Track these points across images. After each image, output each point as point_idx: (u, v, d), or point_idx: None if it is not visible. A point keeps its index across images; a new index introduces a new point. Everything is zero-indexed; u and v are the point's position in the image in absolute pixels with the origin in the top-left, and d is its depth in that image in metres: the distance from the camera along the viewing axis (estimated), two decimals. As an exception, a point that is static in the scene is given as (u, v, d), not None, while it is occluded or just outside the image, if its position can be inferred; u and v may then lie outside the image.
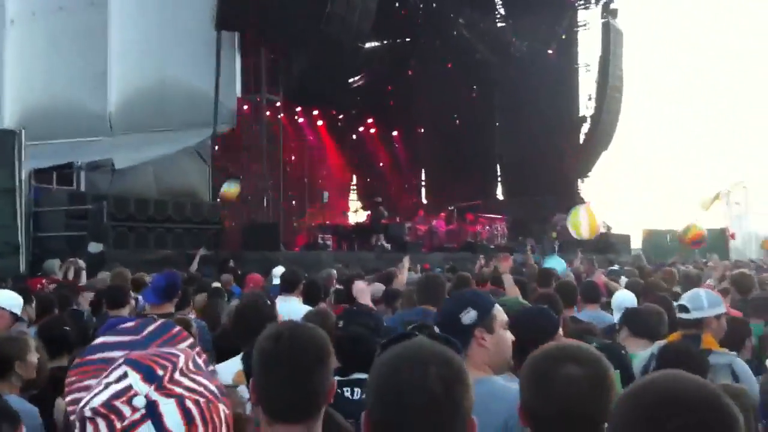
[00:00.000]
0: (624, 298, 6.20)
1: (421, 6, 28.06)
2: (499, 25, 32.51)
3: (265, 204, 19.36)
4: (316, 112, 27.28)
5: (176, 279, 5.92)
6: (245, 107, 19.39)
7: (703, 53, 66.18)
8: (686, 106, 59.12)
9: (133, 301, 6.55)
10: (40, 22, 21.19)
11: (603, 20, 30.23)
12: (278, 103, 19.89)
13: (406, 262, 8.65)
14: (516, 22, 31.36)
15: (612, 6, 30.27)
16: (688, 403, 1.33)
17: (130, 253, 13.94)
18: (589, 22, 31.51)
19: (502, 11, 32.66)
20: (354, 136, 31.27)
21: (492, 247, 24.28)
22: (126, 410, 1.13)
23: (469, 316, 2.74)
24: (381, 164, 32.63)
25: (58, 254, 13.08)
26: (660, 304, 5.17)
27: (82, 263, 9.82)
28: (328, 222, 24.47)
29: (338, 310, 5.79)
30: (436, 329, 2.70)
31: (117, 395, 1.15)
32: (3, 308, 5.05)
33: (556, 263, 9.48)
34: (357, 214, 30.38)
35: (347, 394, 3.36)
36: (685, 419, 1.30)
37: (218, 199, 18.75)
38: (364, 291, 5.57)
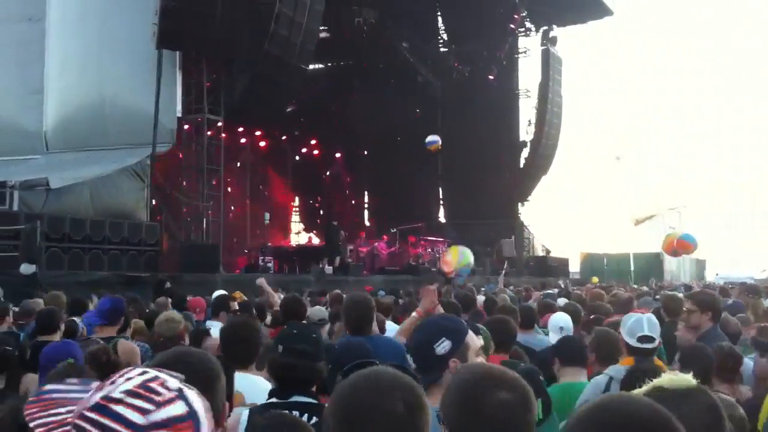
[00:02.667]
0: (559, 319, 6.30)
1: (365, 29, 28.23)
2: (441, 49, 32.93)
3: (204, 225, 19.09)
4: (258, 133, 27.12)
5: (121, 304, 5.89)
6: (186, 126, 19.14)
7: (642, 78, 68.27)
8: (623, 130, 60.71)
9: (69, 324, 6.39)
10: (-26, 36, 20.66)
11: (543, 47, 30.92)
12: (219, 123, 19.68)
13: (264, 284, 8.73)
14: (458, 47, 31.84)
15: (552, 34, 31.00)
16: (644, 425, 1.38)
17: (65, 275, 13.59)
18: (529, 49, 32.22)
19: (444, 36, 33.11)
20: (297, 157, 31.20)
21: (433, 269, 24.42)
22: (162, 390, 1.21)
23: (443, 346, 2.73)
24: (324, 185, 32.60)
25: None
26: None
27: None
28: (269, 244, 24.27)
29: (274, 332, 5.75)
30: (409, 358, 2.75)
31: (149, 380, 1.22)
32: None
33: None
34: (299, 235, 30.25)
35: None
36: None
37: None
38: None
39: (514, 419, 1.88)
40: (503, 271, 20.28)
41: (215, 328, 5.93)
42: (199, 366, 2.17)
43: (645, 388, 1.89)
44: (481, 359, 2.84)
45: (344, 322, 5.19)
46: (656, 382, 1.91)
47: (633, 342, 4.50)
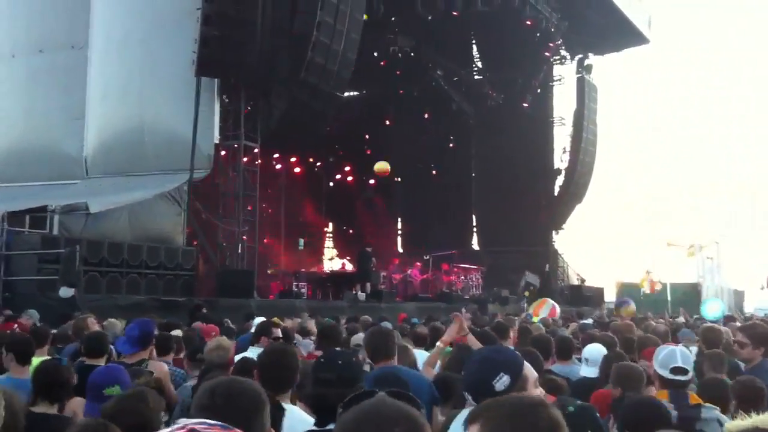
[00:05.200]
0: (595, 350, 6.24)
1: (400, 56, 28.44)
2: (476, 77, 33.02)
3: (239, 250, 19.23)
4: (293, 159, 27.35)
5: (150, 327, 5.88)
6: (222, 152, 19.38)
7: (680, 108, 67.61)
8: (661, 161, 60.09)
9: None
10: (20, 63, 21.19)
11: (578, 75, 30.87)
12: (256, 149, 19.90)
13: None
14: (493, 74, 31.89)
15: (587, 62, 30.95)
16: None
17: (102, 299, 13.76)
18: (564, 76, 32.17)
19: (479, 64, 33.22)
20: (331, 184, 31.36)
21: (467, 297, 24.33)
22: None
23: (502, 382, 2.66)
24: (357, 212, 32.70)
25: (28, 298, 12.94)
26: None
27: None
28: (303, 269, 24.37)
29: (310, 357, 5.77)
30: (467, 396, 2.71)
31: None
32: None
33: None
34: (332, 261, 30.32)
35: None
36: None
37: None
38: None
39: None
40: (524, 302, 20.18)
41: (255, 353, 5.94)
42: (248, 393, 2.21)
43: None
44: (539, 391, 2.79)
45: (366, 353, 5.18)
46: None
47: (666, 374, 4.46)
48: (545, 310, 17.04)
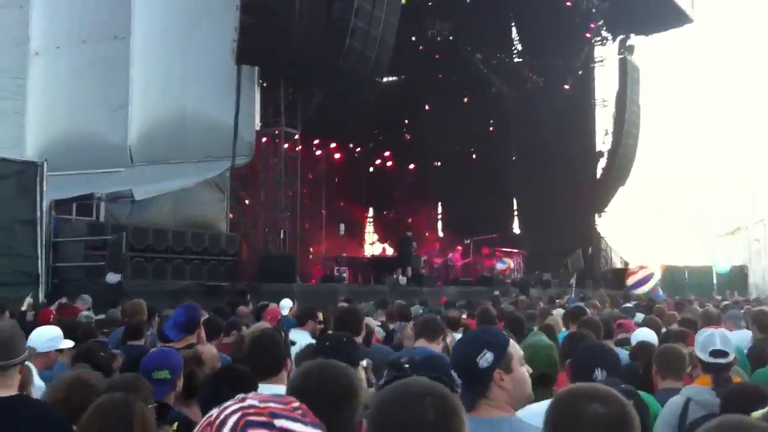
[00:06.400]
0: (644, 335, 6.20)
1: (439, 40, 28.30)
2: (515, 60, 32.72)
3: (281, 236, 19.43)
4: (333, 145, 27.47)
5: (197, 312, 5.97)
6: (263, 139, 19.56)
7: (722, 88, 66.13)
8: (706, 141, 58.92)
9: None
10: (64, 54, 21.56)
11: (620, 56, 30.40)
12: (296, 136, 20.04)
13: None
14: (533, 57, 31.54)
15: (629, 42, 30.45)
16: None
17: (148, 284, 14.02)
18: (605, 57, 31.69)
19: (519, 47, 32.88)
20: (371, 169, 31.42)
21: (508, 281, 24.25)
22: None
23: (485, 359, 2.69)
24: (397, 197, 32.74)
25: (76, 284, 13.25)
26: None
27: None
28: (344, 254, 24.52)
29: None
30: (454, 374, 2.73)
31: None
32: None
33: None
34: (373, 246, 30.44)
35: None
36: None
37: None
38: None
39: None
40: (571, 284, 20.02)
41: (300, 336, 6.03)
42: (343, 378, 2.24)
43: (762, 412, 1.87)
44: (525, 368, 2.81)
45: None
46: None
47: (706, 357, 4.41)
48: (649, 284, 16.80)
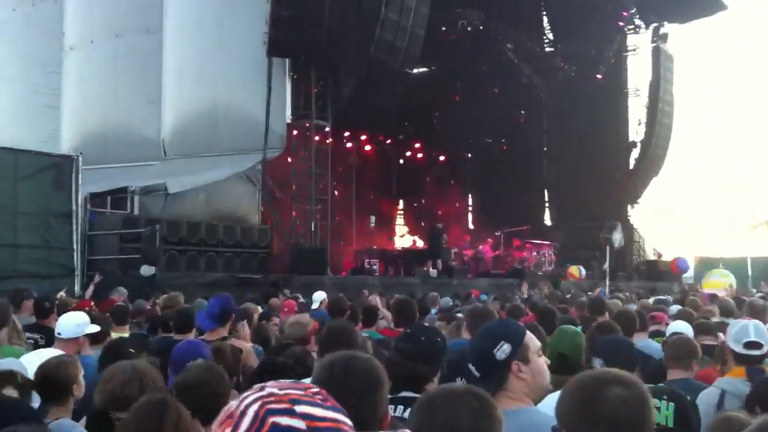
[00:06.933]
0: (679, 328, 6.14)
1: (469, 30, 28.12)
2: (547, 49, 32.42)
3: (312, 228, 19.51)
4: (364, 137, 27.46)
5: (230, 303, 6.00)
6: (294, 132, 19.62)
7: (757, 78, 64.98)
8: (739, 132, 58.04)
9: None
10: (98, 48, 21.78)
11: (653, 45, 29.96)
12: (327, 128, 20.08)
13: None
14: (564, 46, 31.24)
15: (662, 31, 30.00)
16: None
17: (182, 276, 14.17)
18: (638, 46, 31.23)
19: (550, 36, 32.58)
20: (401, 161, 31.38)
21: (539, 273, 24.11)
22: None
23: (502, 350, 2.72)
24: (427, 189, 32.66)
25: (111, 276, 13.42)
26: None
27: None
28: (375, 246, 24.53)
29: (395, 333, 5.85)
30: (471, 367, 2.76)
31: None
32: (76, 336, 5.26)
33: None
34: (403, 238, 30.42)
35: (391, 411, 3.38)
36: None
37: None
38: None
39: (632, 414, 1.91)
40: (605, 267, 19.76)
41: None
42: (368, 370, 2.25)
43: None
44: (543, 359, 2.83)
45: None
46: None
47: (739, 349, 4.36)
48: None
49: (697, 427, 2.49)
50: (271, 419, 1.20)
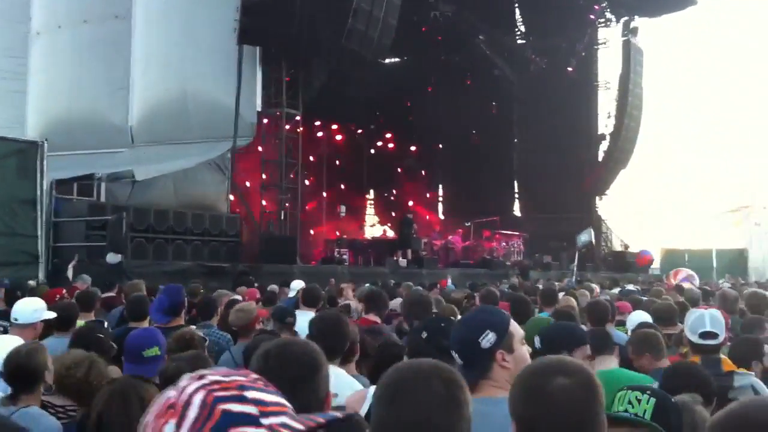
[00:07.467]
0: (639, 318, 6.22)
1: (441, 21, 28.14)
2: (519, 42, 32.56)
3: (282, 217, 19.45)
4: (335, 126, 27.39)
5: (180, 296, 5.97)
6: (265, 120, 19.51)
7: (725, 71, 65.80)
8: (707, 125, 58.68)
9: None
10: (66, 34, 21.46)
11: (623, 38, 30.22)
12: (297, 117, 19.99)
13: None
14: (536, 39, 31.42)
15: (633, 24, 30.26)
16: None
17: (149, 265, 14.05)
18: (609, 39, 31.53)
19: (522, 28, 32.73)
20: (372, 151, 31.35)
21: (508, 263, 24.27)
22: None
23: (488, 339, 2.69)
24: (398, 179, 32.69)
25: (78, 264, 13.27)
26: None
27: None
28: (344, 236, 24.51)
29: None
30: (455, 354, 2.74)
31: None
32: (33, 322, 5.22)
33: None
34: (373, 228, 30.42)
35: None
36: None
37: None
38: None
39: (575, 404, 1.89)
40: (573, 265, 19.99)
41: (302, 316, 6.06)
42: (303, 356, 2.25)
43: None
44: (526, 348, 2.82)
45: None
46: None
47: (695, 339, 4.43)
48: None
49: (677, 427, 2.53)
50: (221, 407, 1.14)
